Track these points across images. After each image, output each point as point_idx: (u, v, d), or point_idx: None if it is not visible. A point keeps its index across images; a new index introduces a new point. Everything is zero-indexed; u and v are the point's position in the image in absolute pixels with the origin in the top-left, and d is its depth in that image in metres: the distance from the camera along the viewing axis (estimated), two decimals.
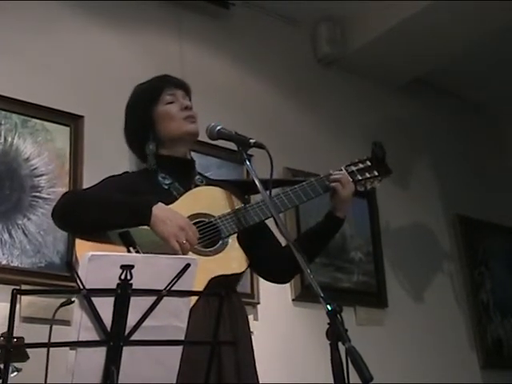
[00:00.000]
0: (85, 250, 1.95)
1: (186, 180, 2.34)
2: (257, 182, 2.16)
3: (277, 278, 2.50)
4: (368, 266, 4.47)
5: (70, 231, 2.22)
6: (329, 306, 1.82)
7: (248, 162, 2.21)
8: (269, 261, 2.36)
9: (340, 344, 1.76)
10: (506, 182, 5.59)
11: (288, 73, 4.55)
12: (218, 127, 2.32)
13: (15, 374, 2.28)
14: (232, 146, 2.32)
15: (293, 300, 4.01)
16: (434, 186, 5.17)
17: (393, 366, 4.13)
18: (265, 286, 3.75)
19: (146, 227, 2.10)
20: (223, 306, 1.90)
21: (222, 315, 1.85)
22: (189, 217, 2.19)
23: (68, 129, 3.48)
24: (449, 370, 4.49)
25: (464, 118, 5.59)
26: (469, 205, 5.23)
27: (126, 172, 2.42)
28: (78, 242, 2.11)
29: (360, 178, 2.42)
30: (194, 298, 1.97)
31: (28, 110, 3.37)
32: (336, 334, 1.77)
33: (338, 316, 1.80)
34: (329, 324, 1.80)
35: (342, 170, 2.41)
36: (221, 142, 2.41)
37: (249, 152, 2.25)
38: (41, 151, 3.37)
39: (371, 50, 4.65)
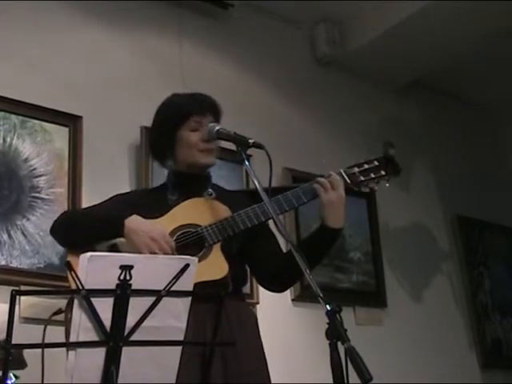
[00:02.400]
0: (75, 263, 2.05)
1: (194, 195, 2.37)
2: (255, 182, 2.16)
3: (272, 285, 2.48)
4: (367, 266, 4.47)
5: (64, 246, 2.35)
6: (328, 306, 1.82)
7: (247, 163, 2.22)
8: (267, 267, 2.36)
9: (339, 344, 1.76)
10: (506, 183, 5.59)
11: (287, 73, 4.55)
12: (217, 127, 2.34)
13: (13, 380, 2.29)
14: (231, 146, 2.32)
15: (292, 300, 4.01)
16: (434, 186, 5.17)
17: (392, 366, 4.13)
18: None
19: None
20: (222, 309, 1.90)
21: (221, 318, 1.85)
22: (176, 228, 2.26)
23: (67, 129, 3.48)
24: (448, 370, 4.49)
25: (463, 118, 5.59)
26: (468, 205, 5.23)
27: (134, 190, 2.47)
28: (69, 256, 2.21)
29: (363, 178, 2.39)
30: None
31: (27, 110, 3.37)
32: (335, 333, 1.78)
33: (338, 316, 1.80)
34: (328, 324, 1.80)
35: (340, 172, 2.37)
36: (220, 142, 2.42)
37: (248, 152, 2.25)
38: (40, 152, 3.37)
39: (370, 51, 4.65)
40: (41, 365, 2.17)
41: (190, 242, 2.24)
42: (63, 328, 2.02)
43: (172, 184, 2.41)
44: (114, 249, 2.18)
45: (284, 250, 2.43)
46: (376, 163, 2.40)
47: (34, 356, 2.27)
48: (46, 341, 2.04)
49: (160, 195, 2.39)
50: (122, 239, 2.20)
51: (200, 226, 2.28)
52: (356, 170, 2.40)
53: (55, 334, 2.06)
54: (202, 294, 2.07)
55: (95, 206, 2.42)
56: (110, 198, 2.44)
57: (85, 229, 2.24)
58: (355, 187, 2.37)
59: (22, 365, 2.31)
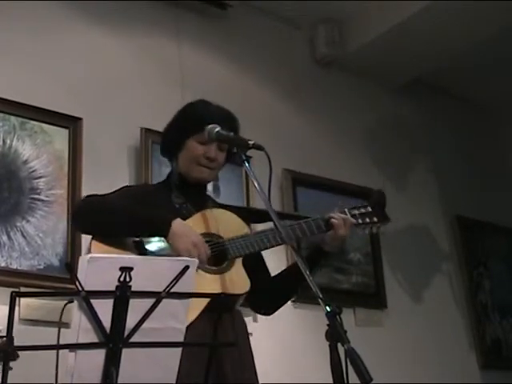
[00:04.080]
0: (100, 252, 2.09)
1: (198, 201, 2.39)
2: (255, 184, 2.16)
3: (261, 310, 2.57)
4: (367, 267, 4.47)
5: (89, 233, 2.27)
6: (328, 308, 1.82)
7: (247, 164, 2.22)
8: (258, 292, 2.36)
9: (339, 345, 1.77)
10: (506, 183, 5.59)
11: (286, 74, 4.55)
12: (217, 129, 2.34)
13: None
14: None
15: (292, 301, 3.99)
16: (433, 187, 5.17)
17: (392, 367, 4.12)
18: None
19: (158, 238, 2.19)
20: (222, 309, 1.91)
21: (221, 320, 1.85)
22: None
23: (67, 131, 3.48)
24: (448, 370, 4.49)
25: (463, 118, 5.59)
26: (468, 205, 5.23)
27: (142, 184, 2.46)
28: (95, 244, 2.18)
29: (361, 221, 2.47)
30: (192, 311, 1.98)
31: (26, 112, 3.37)
32: (335, 335, 1.78)
33: (338, 317, 1.80)
34: (328, 325, 1.80)
35: (345, 211, 2.45)
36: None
37: (247, 153, 2.26)
38: (39, 153, 3.37)
39: (370, 51, 4.65)
40: (40, 366, 2.18)
41: (213, 253, 2.25)
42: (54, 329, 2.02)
43: (175, 185, 2.41)
44: (140, 245, 2.19)
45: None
46: (370, 209, 2.49)
47: (34, 357, 2.28)
48: (49, 342, 2.05)
49: (164, 194, 2.39)
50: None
51: (221, 237, 2.30)
52: (356, 212, 2.48)
53: (54, 335, 2.06)
54: (202, 295, 2.07)
55: (109, 194, 2.37)
56: (120, 188, 2.42)
57: (124, 222, 2.20)
58: (355, 228, 2.48)
59: (13, 356, 2.29)
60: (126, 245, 2.18)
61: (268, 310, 2.57)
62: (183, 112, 2.47)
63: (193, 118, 2.41)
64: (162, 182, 2.48)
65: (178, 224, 2.17)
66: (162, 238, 2.17)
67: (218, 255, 2.26)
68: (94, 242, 2.18)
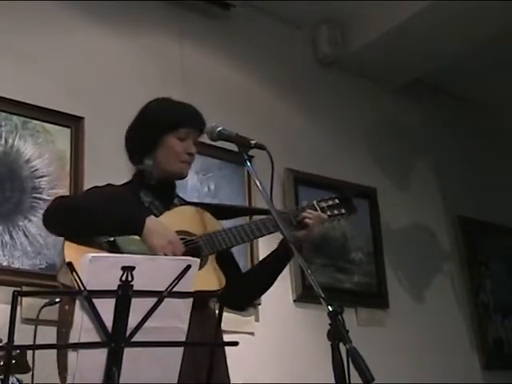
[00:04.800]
0: (73, 253, 2.08)
1: (166, 200, 2.40)
2: (257, 183, 2.17)
3: (234, 305, 2.55)
4: (369, 267, 4.47)
5: (61, 235, 2.26)
6: (330, 307, 1.82)
7: (249, 163, 2.23)
8: (230, 288, 2.35)
9: (341, 345, 1.76)
10: (507, 183, 5.59)
11: (288, 73, 4.55)
12: (219, 128, 2.34)
13: None
14: (233, 147, 2.32)
15: (294, 301, 4.01)
16: (435, 187, 5.17)
17: (394, 367, 4.13)
18: None
19: (130, 236, 2.18)
20: (222, 308, 1.90)
21: (221, 319, 1.85)
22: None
23: (69, 130, 3.48)
24: (450, 370, 4.49)
25: (464, 118, 5.59)
26: (469, 205, 5.23)
27: (109, 184, 2.46)
28: (67, 245, 2.17)
29: (329, 214, 2.49)
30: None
31: (28, 111, 3.37)
32: (337, 334, 1.78)
33: (339, 317, 1.80)
34: (330, 325, 1.80)
35: (314, 205, 2.47)
36: (221, 143, 2.43)
37: (249, 153, 2.26)
38: (41, 153, 3.37)
39: (371, 51, 4.65)
40: (44, 366, 2.18)
41: (186, 250, 2.24)
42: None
43: (144, 185, 2.41)
44: (114, 244, 2.18)
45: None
46: (337, 201, 2.53)
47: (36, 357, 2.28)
48: (47, 341, 2.05)
49: (132, 194, 2.39)
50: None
51: (193, 234, 2.30)
52: (324, 204, 2.50)
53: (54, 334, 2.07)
54: (203, 295, 2.07)
55: (78, 196, 2.38)
56: (89, 189, 2.44)
57: (96, 222, 2.19)
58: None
59: (25, 369, 2.30)
60: (99, 244, 2.17)
61: (241, 305, 2.58)
62: (154, 110, 2.46)
63: (168, 116, 2.41)
64: (129, 182, 2.47)
65: (151, 221, 2.18)
66: (136, 237, 2.17)
67: (191, 252, 2.24)
68: (67, 243, 2.18)
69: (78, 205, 2.30)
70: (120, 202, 2.30)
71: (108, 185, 2.46)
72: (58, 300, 2.15)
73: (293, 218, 2.42)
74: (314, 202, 2.48)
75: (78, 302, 1.63)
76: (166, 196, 2.41)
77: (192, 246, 2.27)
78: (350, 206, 2.55)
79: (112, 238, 2.18)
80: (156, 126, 2.40)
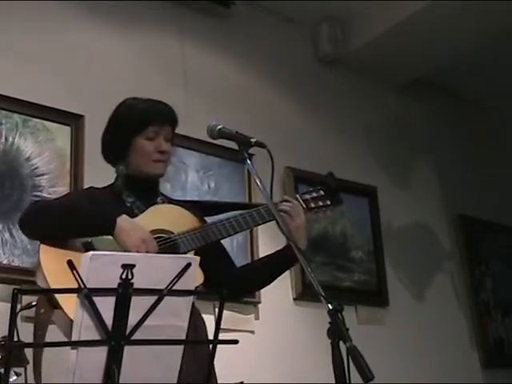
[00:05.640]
0: (49, 256, 2.09)
1: (148, 199, 2.39)
2: (257, 181, 2.16)
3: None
4: (369, 265, 4.47)
5: (36, 238, 2.27)
6: (330, 305, 1.82)
7: (249, 162, 2.22)
8: (223, 283, 2.34)
9: (341, 343, 1.76)
10: (507, 182, 5.59)
11: (289, 72, 4.55)
12: (219, 126, 2.33)
13: (15, 378, 2.29)
14: (233, 145, 2.32)
15: (294, 299, 4.01)
16: (435, 186, 5.17)
17: (394, 365, 4.13)
18: None
19: (106, 237, 2.17)
20: (223, 306, 1.90)
21: (221, 316, 1.84)
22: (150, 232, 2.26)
23: (69, 128, 3.48)
24: (450, 368, 4.50)
25: (464, 117, 5.59)
26: (469, 204, 5.23)
27: (91, 187, 2.46)
28: (43, 247, 2.17)
29: (313, 205, 2.47)
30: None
31: (29, 109, 3.37)
32: (337, 333, 1.78)
33: (339, 315, 1.80)
34: (330, 323, 1.80)
35: (297, 197, 2.45)
36: (222, 142, 2.42)
37: (250, 151, 2.26)
38: (42, 151, 3.37)
39: (372, 49, 4.65)
40: (44, 363, 2.18)
41: (164, 249, 2.24)
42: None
43: (125, 186, 2.40)
44: (89, 245, 2.17)
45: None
46: (322, 193, 2.49)
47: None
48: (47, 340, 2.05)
49: (115, 195, 2.39)
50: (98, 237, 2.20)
51: (172, 232, 2.29)
52: (308, 196, 2.47)
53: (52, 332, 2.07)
54: (203, 292, 2.07)
55: (58, 199, 2.41)
56: (68, 192, 2.45)
57: (70, 223, 2.19)
58: (308, 212, 2.46)
59: (23, 362, 2.30)
60: (75, 246, 2.17)
61: (232, 297, 2.49)
62: (122, 112, 2.46)
63: (136, 116, 2.40)
64: (111, 184, 2.46)
65: (123, 220, 2.17)
66: (112, 238, 2.16)
67: (168, 251, 2.24)
68: (42, 246, 2.17)
69: (52, 207, 2.30)
70: (97, 203, 2.30)
71: (90, 187, 2.47)
72: (34, 303, 2.14)
73: (265, 210, 2.38)
74: (297, 195, 2.47)
75: (78, 299, 1.63)
76: (147, 196, 2.40)
77: (169, 245, 2.26)
78: (336, 197, 2.51)
79: (89, 240, 2.17)
80: (124, 130, 2.40)
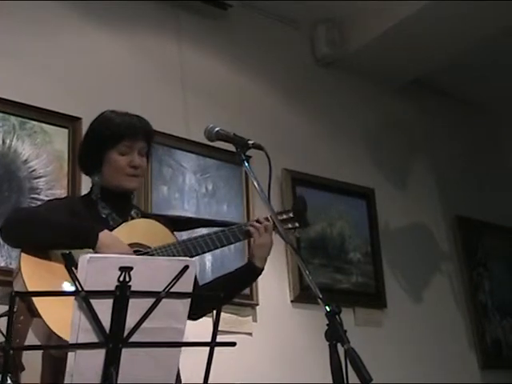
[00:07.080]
0: (29, 265, 2.11)
1: (123, 211, 2.41)
2: (255, 184, 2.17)
3: (194, 314, 2.52)
4: (367, 267, 4.47)
5: (17, 246, 2.27)
6: (327, 307, 1.82)
7: (246, 164, 2.23)
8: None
9: (339, 345, 1.77)
10: (505, 183, 5.60)
11: (287, 73, 4.55)
12: (217, 128, 2.34)
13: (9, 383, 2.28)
14: (230, 147, 2.32)
15: (291, 301, 4.01)
16: (433, 187, 5.17)
17: (392, 367, 4.13)
18: (264, 288, 3.75)
19: (86, 250, 2.17)
20: (220, 309, 1.90)
21: (219, 320, 1.85)
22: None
23: (66, 131, 3.48)
24: (448, 370, 4.49)
25: (463, 118, 5.59)
26: (468, 205, 5.23)
27: (68, 196, 2.47)
28: (24, 256, 2.17)
29: (284, 227, 2.48)
30: None
31: (26, 111, 3.37)
32: (335, 334, 1.78)
33: (337, 317, 1.81)
34: (328, 325, 1.80)
35: (267, 218, 2.47)
36: (219, 144, 2.42)
37: (247, 153, 2.26)
38: (39, 153, 3.37)
39: (370, 51, 4.65)
40: (39, 366, 2.18)
41: None
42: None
43: (100, 198, 2.41)
44: (69, 257, 2.16)
45: None
46: (291, 215, 2.57)
47: (33, 357, 2.28)
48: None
49: (90, 206, 2.40)
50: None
51: (148, 246, 2.30)
52: (279, 218, 2.49)
53: None
54: (201, 294, 2.07)
55: (37, 207, 2.43)
56: (48, 200, 2.47)
57: (51, 235, 2.20)
58: (278, 233, 2.47)
59: (19, 368, 2.30)
60: (55, 256, 2.17)
61: (194, 315, 2.44)
62: (96, 126, 2.45)
63: (109, 131, 2.39)
64: (88, 194, 2.47)
65: (105, 235, 2.19)
66: (91, 250, 2.16)
67: None
68: (23, 254, 2.17)
69: (34, 217, 2.30)
70: (77, 215, 2.31)
71: (67, 197, 2.47)
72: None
73: (238, 229, 2.45)
74: (268, 216, 2.47)
75: (75, 302, 1.63)
76: (122, 208, 2.41)
77: None
78: (304, 220, 2.58)
79: (68, 251, 2.16)
80: (98, 143, 2.40)
